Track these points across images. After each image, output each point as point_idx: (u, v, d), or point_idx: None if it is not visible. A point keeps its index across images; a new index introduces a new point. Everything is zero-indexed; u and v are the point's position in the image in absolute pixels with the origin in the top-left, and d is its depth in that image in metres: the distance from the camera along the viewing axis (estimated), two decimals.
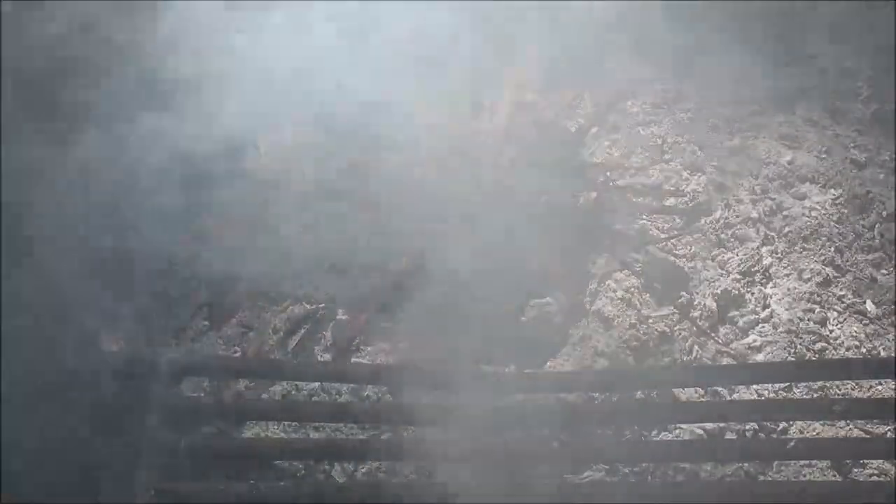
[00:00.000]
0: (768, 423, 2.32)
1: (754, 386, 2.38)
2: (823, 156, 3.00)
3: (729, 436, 2.30)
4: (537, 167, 2.65)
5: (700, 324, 2.51)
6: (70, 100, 2.51)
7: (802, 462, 2.25)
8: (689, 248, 2.69)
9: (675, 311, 2.51)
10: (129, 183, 2.40)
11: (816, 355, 2.49)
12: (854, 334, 2.54)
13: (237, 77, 2.48)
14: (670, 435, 2.28)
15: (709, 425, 2.29)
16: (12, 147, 2.33)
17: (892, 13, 3.34)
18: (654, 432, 2.28)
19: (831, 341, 2.53)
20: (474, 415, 2.13)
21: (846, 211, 2.84)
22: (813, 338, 2.52)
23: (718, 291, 2.57)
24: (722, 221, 2.77)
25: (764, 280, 2.66)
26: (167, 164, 2.40)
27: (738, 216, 2.77)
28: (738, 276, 2.64)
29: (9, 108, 2.40)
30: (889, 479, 2.24)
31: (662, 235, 2.68)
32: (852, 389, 2.40)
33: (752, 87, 3.29)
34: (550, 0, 3.21)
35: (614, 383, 2.28)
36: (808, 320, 2.56)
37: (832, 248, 2.73)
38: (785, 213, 2.81)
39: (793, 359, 2.47)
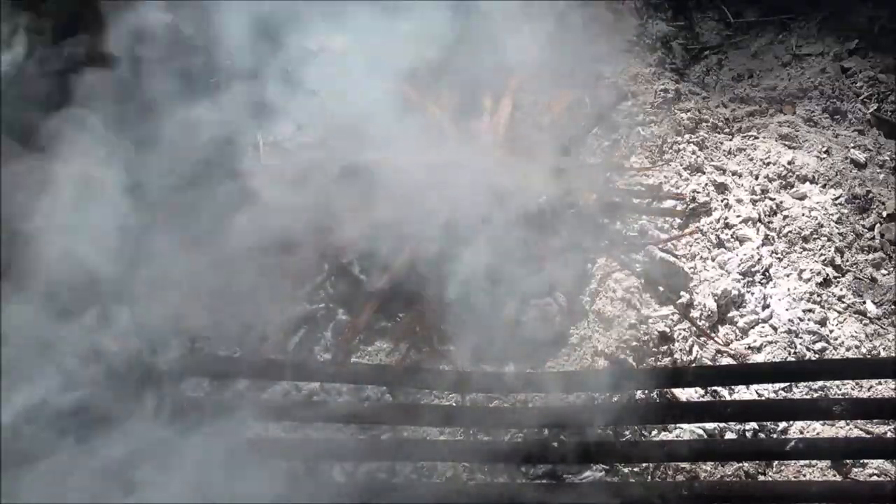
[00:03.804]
0: (768, 423, 2.32)
1: (754, 386, 2.38)
2: (823, 156, 3.00)
3: (729, 436, 2.30)
4: (537, 168, 2.64)
5: (700, 324, 2.51)
6: None
7: (802, 462, 2.25)
8: (689, 248, 2.69)
9: (675, 311, 2.51)
10: None
11: (816, 355, 2.49)
12: (854, 334, 2.54)
13: None
14: (670, 435, 2.27)
15: (709, 425, 2.29)
16: None
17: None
18: (654, 432, 2.28)
19: (831, 341, 2.53)
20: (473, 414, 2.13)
21: (846, 211, 2.84)
22: (813, 338, 2.52)
23: (718, 291, 2.57)
24: (722, 221, 2.77)
25: (764, 280, 2.66)
26: None
27: (738, 216, 2.77)
28: (738, 276, 2.64)
29: None
30: (889, 478, 2.24)
31: (662, 235, 2.68)
32: (852, 389, 2.40)
33: (752, 87, 3.30)
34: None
35: (614, 383, 2.27)
36: (808, 320, 2.56)
37: (832, 248, 2.73)
38: (785, 213, 2.81)
39: (793, 359, 2.47)
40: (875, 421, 2.33)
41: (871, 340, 2.55)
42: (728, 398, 2.37)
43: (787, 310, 2.58)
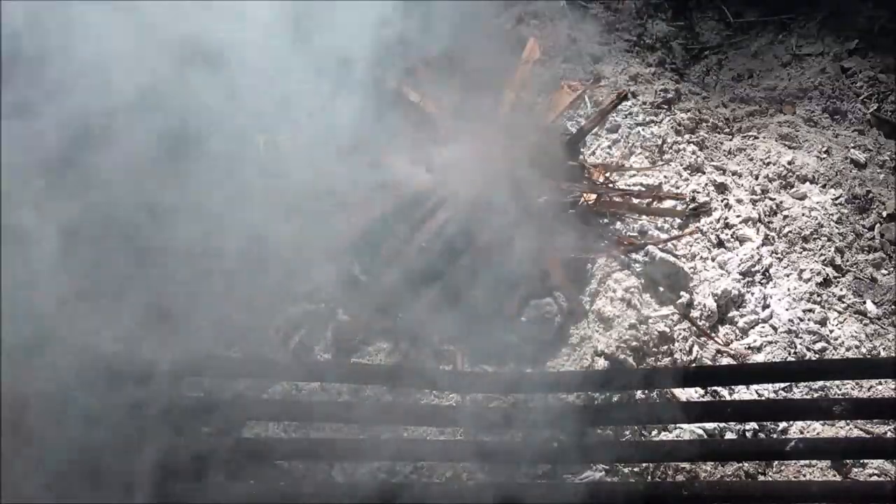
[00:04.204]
0: (768, 423, 2.32)
1: (754, 386, 2.38)
2: (823, 156, 3.00)
3: (729, 436, 2.29)
4: (537, 168, 2.64)
5: (700, 324, 2.51)
6: None
7: (802, 462, 2.25)
8: (689, 248, 2.69)
9: (675, 311, 2.51)
10: None
11: (816, 355, 2.50)
12: (854, 334, 2.54)
13: None
14: (670, 435, 2.27)
15: (709, 425, 2.29)
16: None
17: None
18: (654, 432, 2.28)
19: (831, 341, 2.53)
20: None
21: (846, 211, 2.84)
22: (813, 338, 2.52)
23: (718, 291, 2.57)
24: (722, 221, 2.77)
25: (764, 280, 2.66)
26: None
27: (738, 216, 2.77)
28: (738, 276, 2.64)
29: None
30: (889, 478, 2.24)
31: (662, 235, 2.68)
32: (852, 389, 2.40)
33: (752, 87, 3.30)
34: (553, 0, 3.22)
35: (614, 383, 2.27)
36: (808, 320, 2.56)
37: (832, 248, 2.73)
38: (785, 213, 2.81)
39: (793, 359, 2.47)
40: (875, 421, 2.33)
41: (871, 340, 2.55)
42: (728, 398, 2.37)
43: (787, 310, 2.58)
